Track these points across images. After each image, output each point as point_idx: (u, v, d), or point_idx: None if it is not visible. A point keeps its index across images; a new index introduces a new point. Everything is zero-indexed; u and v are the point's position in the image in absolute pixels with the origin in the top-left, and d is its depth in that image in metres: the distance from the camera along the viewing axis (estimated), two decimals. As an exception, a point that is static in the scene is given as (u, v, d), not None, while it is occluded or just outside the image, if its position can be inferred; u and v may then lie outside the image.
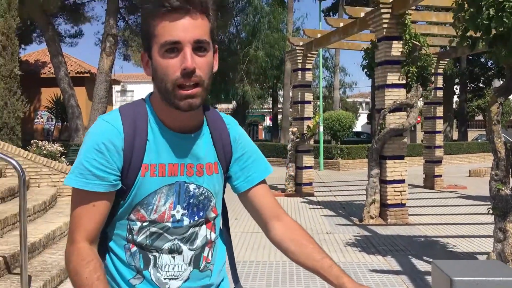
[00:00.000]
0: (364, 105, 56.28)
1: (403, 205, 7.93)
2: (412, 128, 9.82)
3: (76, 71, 20.50)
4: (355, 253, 6.02)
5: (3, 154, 4.63)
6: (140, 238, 1.27)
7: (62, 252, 3.91)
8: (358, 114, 42.36)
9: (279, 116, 30.04)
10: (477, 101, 33.68)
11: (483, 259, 5.57)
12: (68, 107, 15.46)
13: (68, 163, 8.84)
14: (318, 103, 19.58)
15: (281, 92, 27.96)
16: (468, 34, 4.56)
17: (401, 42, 7.89)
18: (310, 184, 11.57)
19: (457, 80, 29.35)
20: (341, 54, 27.56)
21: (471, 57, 28.66)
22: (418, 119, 11.23)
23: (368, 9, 8.82)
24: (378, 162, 7.99)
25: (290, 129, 12.05)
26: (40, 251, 4.74)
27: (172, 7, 1.16)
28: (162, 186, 1.26)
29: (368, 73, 8.96)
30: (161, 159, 1.26)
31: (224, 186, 1.43)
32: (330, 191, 12.36)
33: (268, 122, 43.87)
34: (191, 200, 1.30)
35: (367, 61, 8.68)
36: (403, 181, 7.92)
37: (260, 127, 45.20)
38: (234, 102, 29.48)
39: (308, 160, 11.55)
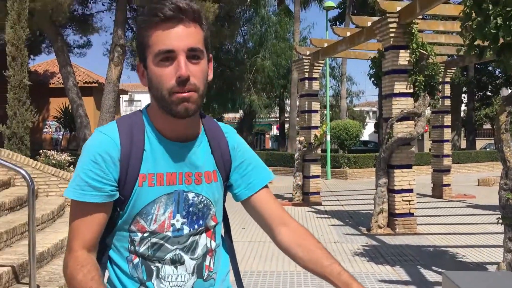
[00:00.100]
0: (371, 114, 56.17)
1: (411, 214, 7.87)
2: (420, 137, 9.75)
3: (84, 81, 20.65)
4: (364, 263, 5.98)
5: (12, 164, 4.66)
6: (142, 249, 1.27)
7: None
8: (365, 123, 42.30)
9: (286, 125, 30.03)
10: (485, 109, 33.53)
11: (493, 269, 5.51)
12: (77, 116, 15.55)
13: (76, 173, 8.84)
14: (325, 112, 19.57)
15: (288, 101, 27.98)
16: (475, 43, 4.55)
17: (408, 51, 7.89)
18: (318, 193, 11.53)
19: (464, 89, 29.25)
20: (348, 63, 27.61)
21: (478, 66, 28.57)
22: (426, 128, 11.20)
23: (375, 18, 8.84)
24: (386, 171, 7.95)
25: (297, 138, 12.05)
26: (48, 260, 4.75)
27: (165, 16, 1.18)
28: (160, 195, 1.27)
29: (375, 82, 8.96)
30: (158, 168, 1.27)
31: (225, 195, 1.43)
32: (338, 200, 12.31)
33: (275, 131, 43.87)
34: (191, 209, 1.30)
35: (374, 70, 8.68)
36: (411, 190, 7.88)
37: (267, 136, 45.21)
38: (241, 111, 29.52)
39: (315, 169, 11.53)
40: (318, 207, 10.94)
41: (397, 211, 7.79)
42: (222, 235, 1.45)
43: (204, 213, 1.33)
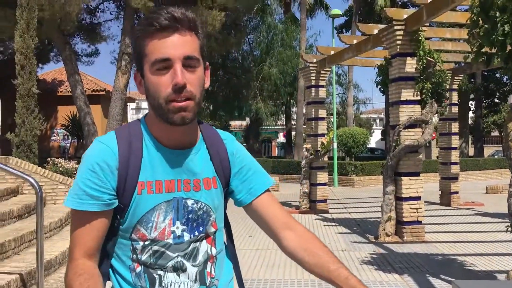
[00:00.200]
0: (378, 121, 56.07)
1: (419, 222, 7.82)
2: (427, 144, 9.73)
3: (92, 89, 20.77)
4: (371, 271, 5.94)
5: (21, 171, 4.69)
6: (144, 257, 1.28)
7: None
8: (372, 130, 42.20)
9: (293, 133, 30.02)
10: (493, 116, 33.38)
11: (502, 278, 5.45)
12: (84, 124, 15.64)
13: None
14: (332, 119, 19.55)
15: (294, 109, 27.99)
16: (483, 50, 4.55)
17: (415, 58, 7.88)
18: (325, 201, 11.49)
19: (472, 96, 29.13)
20: (355, 70, 27.62)
21: (486, 73, 28.47)
22: (433, 135, 11.11)
23: (381, 26, 8.84)
24: (393, 179, 7.92)
25: (304, 146, 12.03)
26: (56, 268, 4.76)
27: (161, 26, 1.20)
28: (160, 202, 1.28)
29: (382, 89, 8.94)
30: (157, 176, 1.28)
31: (226, 202, 1.43)
32: (345, 208, 12.26)
33: (281, 138, 43.87)
34: (190, 216, 1.30)
35: (381, 77, 8.67)
36: (419, 198, 7.83)
37: (273, 143, 45.21)
38: (247, 119, 29.56)
39: (322, 176, 11.50)
40: (325, 215, 10.90)
41: (405, 219, 7.75)
42: (224, 242, 1.45)
43: (204, 220, 1.33)
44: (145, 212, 1.27)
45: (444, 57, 10.31)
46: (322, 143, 11.29)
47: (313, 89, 11.73)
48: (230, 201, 1.46)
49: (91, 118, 15.73)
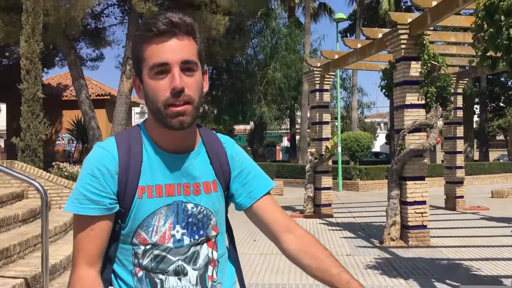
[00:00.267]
0: (382, 125, 55.98)
1: (424, 226, 7.79)
2: (432, 148, 9.70)
3: (96, 94, 20.85)
4: (376, 276, 5.91)
5: (26, 176, 4.70)
6: (145, 262, 1.28)
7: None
8: (376, 134, 42.10)
9: (297, 137, 29.99)
10: (498, 120, 33.25)
11: (508, 282, 5.42)
12: (89, 129, 15.68)
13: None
14: (336, 123, 19.53)
15: (298, 113, 27.97)
16: (488, 54, 4.53)
17: (420, 62, 7.87)
18: (329, 205, 11.47)
19: (477, 100, 29.05)
20: (359, 74, 27.56)
21: (491, 77, 28.40)
22: (438, 139, 11.08)
23: (386, 30, 8.84)
24: (398, 183, 7.89)
25: (309, 150, 12.02)
26: (61, 272, 4.77)
27: (159, 31, 1.21)
28: (160, 206, 1.28)
29: (386, 93, 8.93)
30: (157, 180, 1.29)
31: (227, 205, 1.43)
32: (349, 212, 12.23)
33: (285, 142, 43.84)
34: (190, 219, 1.31)
35: (385, 81, 8.66)
36: (424, 202, 7.80)
37: (278, 147, 45.20)
38: (251, 123, 29.57)
39: (326, 181, 11.48)
40: (330, 219, 10.87)
41: (410, 224, 7.72)
42: (227, 246, 1.45)
43: (204, 223, 1.33)
44: (146, 216, 1.27)
45: (449, 61, 10.29)
46: (327, 147, 11.28)
47: (318, 93, 11.73)
48: (232, 205, 1.46)
49: (96, 122, 15.78)
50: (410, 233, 7.70)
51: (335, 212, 11.60)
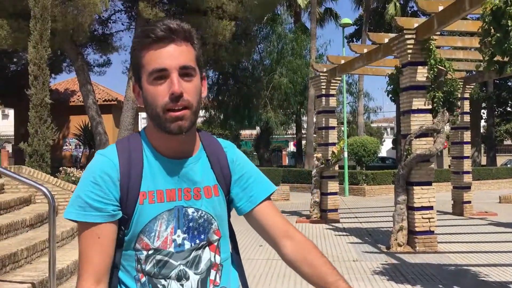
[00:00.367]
0: (389, 130, 55.81)
1: (431, 232, 7.75)
2: (439, 153, 9.66)
3: (103, 99, 20.94)
4: (383, 281, 5.89)
5: (33, 181, 4.73)
6: (148, 267, 1.29)
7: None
8: (383, 139, 41.97)
9: (303, 142, 29.94)
10: (506, 125, 33.09)
11: (517, 289, 5.38)
12: (96, 134, 15.75)
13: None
14: (342, 128, 19.50)
15: (304, 118, 27.94)
16: (495, 59, 4.52)
17: (426, 67, 7.85)
18: (336, 210, 11.43)
19: (484, 105, 28.91)
20: (365, 79, 27.51)
21: (498, 81, 28.26)
22: (445, 144, 11.02)
23: (392, 35, 8.84)
24: (405, 188, 7.86)
25: (315, 155, 12.00)
26: (68, 277, 4.78)
27: (157, 37, 1.23)
28: (162, 211, 1.29)
29: (393, 98, 8.91)
30: (158, 185, 1.30)
31: (229, 209, 1.44)
32: (356, 217, 12.18)
33: (292, 147, 43.79)
34: (191, 224, 1.31)
35: (391, 86, 8.64)
36: (431, 207, 7.76)
37: (284, 152, 45.13)
38: (258, 128, 29.57)
39: (333, 186, 11.45)
40: (336, 225, 10.84)
41: (417, 229, 7.68)
42: (230, 251, 1.45)
43: (205, 228, 1.34)
44: (148, 222, 1.28)
45: (456, 66, 10.26)
46: (333, 152, 11.26)
47: (324, 98, 11.72)
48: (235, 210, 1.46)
49: (103, 127, 15.85)
50: (417, 239, 7.66)
51: (342, 217, 11.56)
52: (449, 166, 14.40)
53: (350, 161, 21.27)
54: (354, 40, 31.75)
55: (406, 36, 7.79)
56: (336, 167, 11.72)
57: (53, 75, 19.82)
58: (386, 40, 8.82)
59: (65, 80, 24.56)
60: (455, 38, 9.95)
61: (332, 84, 11.68)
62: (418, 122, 7.88)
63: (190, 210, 1.32)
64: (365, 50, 10.06)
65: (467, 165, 12.45)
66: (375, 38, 9.35)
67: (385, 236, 8.79)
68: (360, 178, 18.84)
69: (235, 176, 1.42)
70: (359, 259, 7.19)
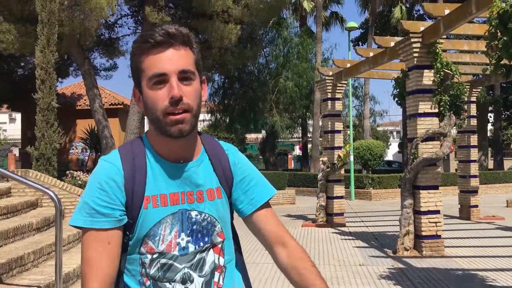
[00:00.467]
0: (395, 133, 55.68)
1: (438, 236, 7.70)
2: (446, 157, 9.61)
3: (110, 103, 21.03)
4: (390, 286, 5.86)
5: (40, 184, 4.75)
6: (152, 271, 1.29)
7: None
8: (389, 143, 41.87)
9: (309, 146, 29.93)
10: (513, 129, 32.85)
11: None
12: (102, 138, 15.80)
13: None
14: (348, 132, 19.46)
15: (310, 122, 27.94)
16: (502, 62, 4.50)
17: (433, 71, 7.83)
18: (342, 214, 11.40)
19: (491, 108, 28.77)
20: (371, 82, 27.45)
21: (504, 85, 28.11)
22: (452, 148, 10.99)
23: (398, 38, 8.82)
24: (412, 192, 7.83)
25: (321, 159, 11.98)
26: (74, 281, 4.79)
27: (155, 42, 1.24)
28: (166, 215, 1.30)
29: (399, 102, 8.89)
30: (161, 189, 1.31)
31: (231, 211, 1.45)
32: (362, 221, 12.14)
33: (297, 151, 43.74)
34: (194, 227, 1.32)
35: (398, 90, 8.62)
36: (438, 211, 7.72)
37: (290, 156, 45.10)
38: (263, 132, 29.58)
39: (339, 189, 11.42)
40: (342, 228, 10.80)
41: (423, 233, 7.64)
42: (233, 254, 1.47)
43: (209, 230, 1.35)
44: (152, 226, 1.29)
45: (462, 69, 10.22)
46: (339, 156, 11.23)
47: (329, 102, 11.71)
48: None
49: (109, 131, 15.91)
50: (424, 243, 7.62)
51: (348, 221, 11.52)
52: (456, 170, 14.33)
53: (356, 165, 21.22)
54: (360, 43, 31.73)
55: (412, 40, 7.78)
56: (342, 171, 11.69)
57: (60, 79, 19.94)
58: (392, 44, 8.80)
59: (72, 84, 24.72)
60: (461, 42, 9.92)
61: (338, 88, 11.67)
62: (425, 125, 7.85)
63: (193, 213, 1.33)
64: (371, 54, 10.05)
65: (474, 169, 12.38)
66: (381, 41, 9.34)
67: (392, 240, 8.75)
68: (366, 182, 18.78)
69: (237, 178, 1.43)
70: (365, 263, 7.15)
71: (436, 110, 7.90)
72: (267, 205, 1.46)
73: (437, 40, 7.74)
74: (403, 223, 7.77)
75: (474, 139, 12.46)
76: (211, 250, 1.35)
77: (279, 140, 30.05)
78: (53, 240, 4.56)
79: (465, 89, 8.64)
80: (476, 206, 12.20)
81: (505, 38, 4.25)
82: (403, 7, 27.85)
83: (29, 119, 15.80)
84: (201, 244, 1.33)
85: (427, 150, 7.77)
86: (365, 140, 23.37)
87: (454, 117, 8.04)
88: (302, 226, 11.13)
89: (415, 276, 6.31)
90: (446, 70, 7.85)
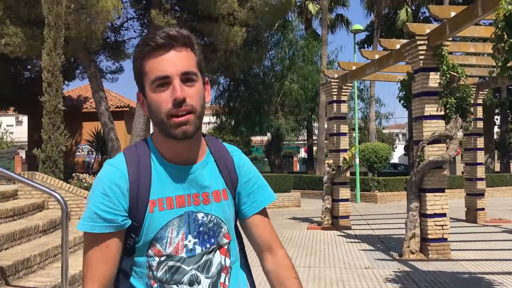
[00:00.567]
0: (400, 136, 55.52)
1: (445, 239, 7.67)
2: (452, 159, 9.58)
3: (116, 106, 21.12)
4: (396, 289, 5.83)
5: (47, 187, 4.77)
6: (159, 274, 1.30)
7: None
8: (394, 146, 41.75)
9: (314, 148, 29.87)
10: (519, 131, 32.67)
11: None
12: (108, 140, 15.86)
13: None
14: (354, 134, 19.42)
15: (315, 124, 27.90)
16: (508, 64, 4.48)
17: (439, 73, 7.81)
18: (347, 217, 11.37)
19: (497, 111, 28.64)
20: (376, 85, 27.41)
21: (511, 87, 27.98)
22: (458, 150, 10.91)
23: (404, 41, 8.80)
24: (418, 195, 7.80)
25: (326, 161, 11.96)
26: (80, 283, 4.80)
27: (157, 44, 1.25)
28: (172, 218, 1.30)
29: (404, 104, 8.86)
30: (167, 192, 1.31)
31: (236, 212, 1.46)
32: (368, 224, 12.10)
33: (303, 154, 43.68)
34: (201, 228, 1.33)
35: (403, 92, 8.60)
36: (444, 214, 7.69)
37: (295, 159, 45.07)
38: (268, 134, 29.58)
39: (344, 192, 11.40)
40: (348, 231, 10.77)
41: (429, 236, 7.60)
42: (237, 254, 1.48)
43: (215, 232, 1.36)
44: (159, 229, 1.29)
45: (468, 72, 10.19)
46: (344, 158, 11.21)
47: (335, 104, 11.70)
48: None
49: (115, 133, 15.96)
50: (430, 246, 7.59)
51: (353, 224, 11.49)
52: (462, 172, 14.27)
53: (361, 168, 21.15)
54: (366, 46, 31.67)
55: (418, 42, 7.76)
56: (348, 174, 11.66)
57: (66, 82, 20.03)
58: (398, 46, 8.79)
59: (78, 87, 24.84)
60: (467, 44, 9.88)
61: (343, 90, 11.66)
62: (431, 128, 7.82)
63: (200, 215, 1.33)
64: (377, 56, 10.03)
65: (480, 171, 12.32)
66: (387, 44, 9.32)
67: (398, 243, 8.72)
68: (372, 185, 18.73)
69: (242, 180, 1.44)
70: (371, 267, 7.13)
71: (442, 113, 7.87)
72: (265, 210, 1.48)
73: (443, 43, 7.72)
74: (409, 226, 7.74)
75: (480, 142, 12.40)
76: (218, 251, 1.36)
77: (285, 142, 30.05)
78: (59, 242, 4.57)
79: (471, 92, 8.60)
80: (483, 209, 12.13)
81: (511, 40, 4.24)
82: (409, 10, 27.79)
83: (36, 122, 15.88)
84: (208, 245, 1.34)
85: (433, 152, 7.74)
86: (371, 142, 23.31)
87: (460, 119, 8.00)
88: (307, 229, 11.11)
89: (421, 280, 6.28)
90: (452, 73, 7.82)
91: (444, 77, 7.79)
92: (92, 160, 21.91)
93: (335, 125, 11.72)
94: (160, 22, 14.01)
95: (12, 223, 5.70)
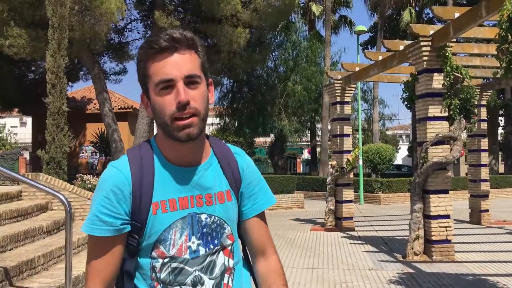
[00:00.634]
0: (404, 137, 55.42)
1: (448, 241, 7.64)
2: (456, 161, 9.55)
3: (119, 107, 21.16)
4: (399, 291, 5.81)
5: (50, 188, 4.78)
6: (163, 275, 1.30)
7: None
8: (398, 147, 41.68)
9: (318, 149, 29.83)
10: (524, 132, 32.50)
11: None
12: (112, 141, 15.89)
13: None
14: (357, 136, 19.40)
15: (319, 125, 27.87)
16: (512, 65, 4.47)
17: (442, 74, 7.79)
18: (351, 218, 11.35)
19: (501, 112, 28.54)
20: (380, 86, 27.39)
21: (515, 88, 27.89)
22: (462, 152, 10.91)
23: (407, 42, 8.78)
24: (421, 197, 7.78)
25: (330, 163, 11.95)
26: (83, 284, 4.81)
27: (160, 47, 1.25)
28: (175, 220, 1.31)
29: (408, 105, 8.85)
30: (169, 194, 1.31)
31: (238, 213, 1.46)
32: (371, 225, 12.08)
33: (306, 155, 43.67)
34: (204, 230, 1.33)
35: (407, 93, 8.59)
36: (448, 216, 7.66)
37: (298, 160, 45.06)
38: (272, 136, 29.57)
39: (348, 193, 11.38)
40: (351, 233, 10.75)
41: (433, 238, 7.58)
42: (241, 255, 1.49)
43: (218, 233, 1.36)
44: (162, 231, 1.30)
45: (472, 73, 10.15)
46: (348, 159, 11.20)
47: (338, 105, 11.69)
48: None
49: (119, 135, 15.99)
50: (434, 248, 7.56)
51: (357, 226, 11.47)
52: (466, 174, 14.23)
53: (365, 169, 21.11)
54: (369, 47, 31.65)
55: (422, 43, 7.75)
56: (351, 175, 11.64)
57: (70, 83, 20.09)
58: (401, 47, 8.77)
59: (82, 88, 24.91)
60: (471, 45, 9.85)
61: (346, 92, 11.65)
62: (434, 129, 7.80)
63: (203, 216, 1.33)
64: (380, 57, 10.02)
65: (484, 173, 12.28)
66: (390, 45, 9.30)
67: (401, 244, 8.69)
68: (375, 186, 18.69)
69: (245, 182, 1.44)
70: (375, 268, 7.11)
71: (446, 114, 7.85)
72: (263, 213, 1.48)
73: (447, 44, 7.70)
74: (413, 228, 7.72)
75: (484, 143, 12.36)
76: (221, 252, 1.36)
77: (288, 143, 30.02)
78: (63, 243, 4.58)
79: (475, 93, 8.57)
80: (487, 210, 12.09)
81: (515, 41, 4.23)
82: (413, 11, 27.76)
83: (40, 123, 15.94)
84: (211, 246, 1.34)
85: (437, 154, 7.72)
86: (374, 144, 23.28)
87: (464, 121, 7.98)
88: (311, 230, 11.10)
89: (425, 281, 6.26)
90: (456, 74, 7.80)
91: (448, 78, 7.77)
92: (96, 161, 21.96)
93: (338, 126, 11.70)
94: (163, 24, 14.04)
95: (16, 224, 5.72)
